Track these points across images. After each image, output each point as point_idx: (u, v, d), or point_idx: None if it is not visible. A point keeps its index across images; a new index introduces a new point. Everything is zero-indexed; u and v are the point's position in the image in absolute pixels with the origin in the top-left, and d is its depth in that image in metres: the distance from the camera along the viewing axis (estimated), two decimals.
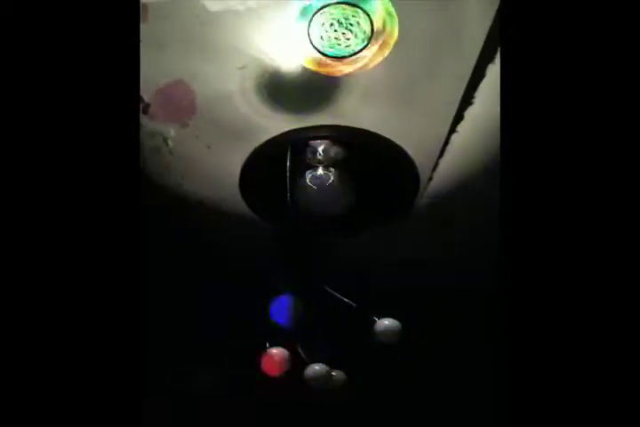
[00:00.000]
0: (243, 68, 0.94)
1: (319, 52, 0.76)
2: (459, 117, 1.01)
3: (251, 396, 1.57)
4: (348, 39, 0.76)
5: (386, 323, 1.15)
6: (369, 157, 1.09)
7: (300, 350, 1.26)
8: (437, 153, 1.10)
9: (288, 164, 1.04)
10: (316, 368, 1.16)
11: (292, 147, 1.04)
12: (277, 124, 1.04)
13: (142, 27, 0.86)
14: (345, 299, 1.27)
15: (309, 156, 1.06)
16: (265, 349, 1.23)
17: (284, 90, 0.98)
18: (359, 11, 0.74)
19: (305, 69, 0.86)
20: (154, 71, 0.96)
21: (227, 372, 1.64)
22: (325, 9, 0.74)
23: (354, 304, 1.23)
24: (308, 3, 0.75)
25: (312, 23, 0.74)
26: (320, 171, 1.05)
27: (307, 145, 1.05)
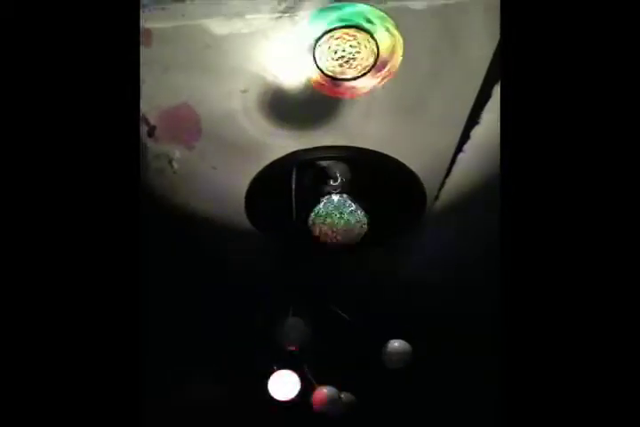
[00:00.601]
0: (245, 91, 0.94)
1: (325, 74, 0.76)
2: (465, 137, 1.01)
3: (250, 401, 1.55)
4: (354, 61, 0.76)
5: (395, 345, 1.14)
6: (376, 176, 1.09)
7: (306, 371, 1.25)
8: (444, 172, 1.10)
9: (293, 185, 1.04)
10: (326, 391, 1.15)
11: (298, 167, 1.04)
12: (282, 143, 1.05)
13: (146, 51, 0.87)
14: (347, 318, 1.26)
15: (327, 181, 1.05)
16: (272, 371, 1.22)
17: (288, 110, 0.98)
18: (364, 33, 0.74)
19: (309, 89, 0.86)
20: (159, 94, 0.96)
21: (225, 374, 1.63)
22: (331, 32, 0.74)
23: (353, 322, 1.22)
24: (314, 29, 0.75)
25: (318, 46, 0.74)
26: (335, 197, 1.03)
27: (315, 167, 1.05)
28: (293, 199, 1.06)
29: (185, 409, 1.60)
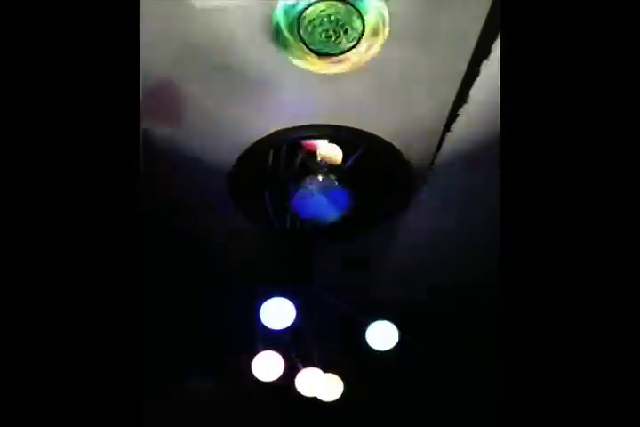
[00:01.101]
0: (229, 68, 0.92)
1: (310, 49, 0.74)
2: (453, 116, 0.99)
3: (247, 397, 1.57)
4: (339, 36, 0.74)
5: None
6: (363, 156, 1.07)
7: (292, 354, 1.25)
8: (433, 152, 1.08)
9: (281, 166, 1.03)
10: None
11: (282, 146, 1.03)
12: (266, 122, 1.03)
13: None
14: (337, 302, 1.26)
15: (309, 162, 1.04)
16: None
17: (272, 87, 0.96)
18: (350, 7, 0.72)
19: (293, 67, 0.84)
20: (141, 71, 0.93)
21: (224, 374, 1.64)
22: (315, 6, 0.72)
23: (349, 308, 1.22)
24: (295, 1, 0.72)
25: (302, 20, 0.72)
26: (320, 178, 1.02)
27: (300, 147, 1.04)
28: (280, 178, 1.05)
29: (185, 409, 1.62)
